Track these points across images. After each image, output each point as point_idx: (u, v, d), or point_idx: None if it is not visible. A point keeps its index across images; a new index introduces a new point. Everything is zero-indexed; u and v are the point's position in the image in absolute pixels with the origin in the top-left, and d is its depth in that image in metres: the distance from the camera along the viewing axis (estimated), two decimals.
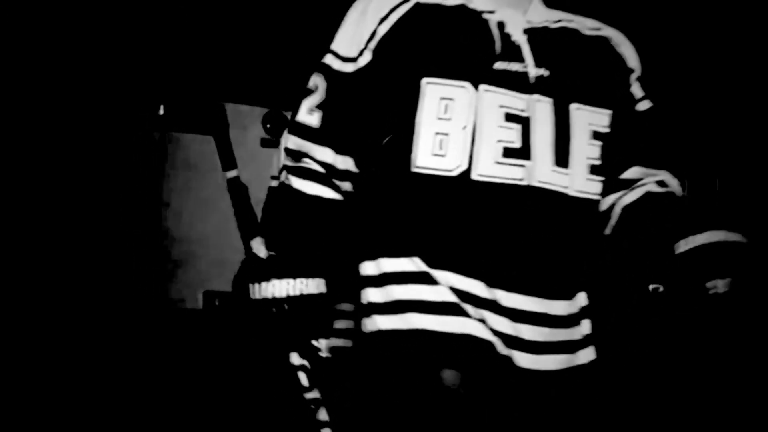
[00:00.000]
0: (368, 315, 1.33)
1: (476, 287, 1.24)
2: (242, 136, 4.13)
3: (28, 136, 3.75)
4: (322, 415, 1.31)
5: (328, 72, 1.36)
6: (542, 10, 1.38)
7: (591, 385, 1.36)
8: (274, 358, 1.36)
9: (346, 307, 2.42)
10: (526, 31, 1.33)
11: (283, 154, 2.79)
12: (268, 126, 4.45)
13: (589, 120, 1.33)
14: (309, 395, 1.31)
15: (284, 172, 1.40)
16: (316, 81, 1.37)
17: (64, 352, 3.64)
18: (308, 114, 1.37)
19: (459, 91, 1.25)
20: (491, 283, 1.24)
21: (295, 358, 1.32)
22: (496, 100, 1.27)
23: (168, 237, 4.24)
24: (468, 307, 1.24)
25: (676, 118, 1.64)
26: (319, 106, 1.36)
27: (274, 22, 3.64)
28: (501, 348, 1.24)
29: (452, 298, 1.24)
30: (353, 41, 1.34)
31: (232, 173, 3.43)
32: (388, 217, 1.32)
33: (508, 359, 1.24)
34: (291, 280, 1.31)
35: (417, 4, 1.32)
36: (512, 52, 1.31)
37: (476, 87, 1.26)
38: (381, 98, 1.31)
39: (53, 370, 3.58)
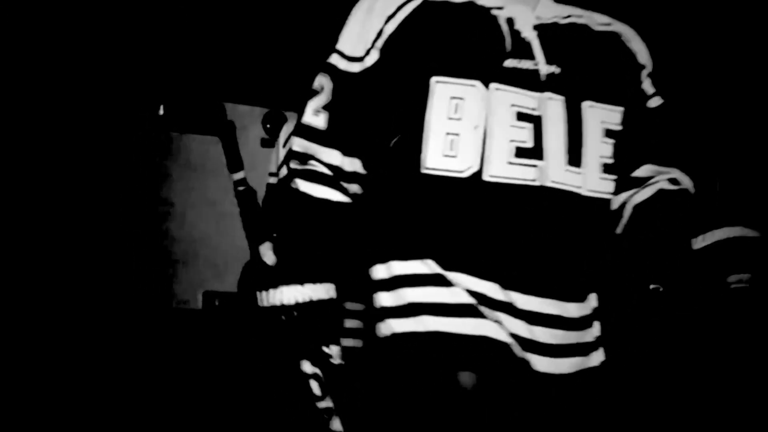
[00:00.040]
0: (381, 319, 1.31)
1: (491, 289, 1.22)
2: (242, 136, 4.12)
3: (28, 136, 3.74)
4: (336, 425, 1.29)
5: (333, 72, 1.33)
6: (552, 6, 1.36)
7: (602, 387, 1.35)
8: (284, 366, 1.33)
9: (355, 306, 2.41)
10: (536, 28, 1.31)
11: (282, 152, 2.79)
12: (268, 126, 4.44)
13: (601, 118, 1.32)
14: (321, 404, 1.28)
15: (291, 175, 1.38)
16: (322, 81, 1.34)
17: (65, 351, 3.64)
18: (314, 115, 1.34)
19: (469, 90, 1.23)
20: (506, 285, 1.23)
21: (307, 366, 1.29)
22: (507, 98, 1.25)
23: (168, 237, 4.23)
24: (484, 309, 1.22)
25: (685, 116, 1.62)
26: (326, 107, 1.33)
27: (274, 22, 3.63)
28: (518, 351, 1.22)
29: (468, 299, 1.23)
30: (359, 40, 1.31)
31: (238, 175, 3.42)
32: (399, 220, 1.30)
33: (525, 363, 1.23)
34: (299, 287, 1.29)
35: (424, 2, 1.30)
36: (522, 49, 1.28)
37: (487, 86, 1.24)
38: (389, 98, 1.29)
39: (53, 370, 3.59)
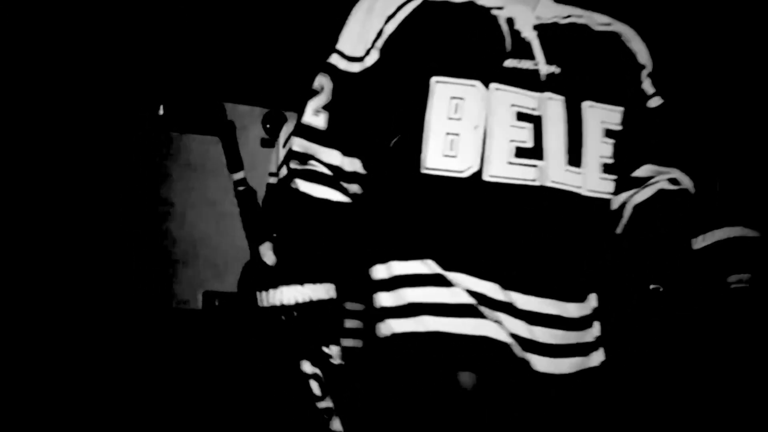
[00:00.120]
0: (381, 319, 1.31)
1: (491, 289, 1.22)
2: (242, 136, 4.12)
3: (28, 136, 3.74)
4: (336, 425, 1.28)
5: (333, 72, 1.33)
6: (552, 6, 1.36)
7: (602, 387, 1.35)
8: (284, 366, 1.33)
9: (355, 306, 2.41)
10: (536, 28, 1.31)
11: (282, 151, 2.79)
12: (268, 126, 4.44)
13: (601, 118, 1.32)
14: (321, 404, 1.28)
15: (290, 176, 1.37)
16: (322, 81, 1.34)
17: (65, 351, 3.64)
18: (314, 115, 1.34)
19: (469, 90, 1.23)
20: (506, 285, 1.23)
21: (307, 367, 1.28)
22: (507, 98, 1.25)
23: (168, 237, 4.23)
24: (484, 309, 1.22)
25: (685, 116, 1.62)
26: (325, 107, 1.33)
27: (274, 22, 3.63)
28: (518, 351, 1.22)
29: (469, 299, 1.23)
30: (359, 40, 1.31)
31: (238, 175, 3.42)
32: (398, 220, 1.30)
33: (526, 363, 1.23)
34: (299, 287, 1.29)
35: (425, 2, 1.29)
36: (522, 49, 1.28)
37: (487, 86, 1.24)
38: (389, 98, 1.29)
39: (53, 370, 3.58)
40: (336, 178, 1.34)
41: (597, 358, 1.35)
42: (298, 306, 1.28)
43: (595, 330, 1.35)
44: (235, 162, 3.49)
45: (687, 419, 2.68)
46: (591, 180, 1.29)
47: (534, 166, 1.24)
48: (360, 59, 1.31)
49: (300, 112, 1.38)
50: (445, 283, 1.24)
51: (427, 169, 1.23)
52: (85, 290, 3.81)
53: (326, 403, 1.28)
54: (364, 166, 1.35)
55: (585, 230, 1.30)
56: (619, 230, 1.42)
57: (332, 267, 1.34)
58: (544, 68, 1.28)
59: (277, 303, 1.28)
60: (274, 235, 2.26)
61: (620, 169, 1.35)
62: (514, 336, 1.22)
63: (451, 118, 1.23)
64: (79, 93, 3.90)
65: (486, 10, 1.30)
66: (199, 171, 4.30)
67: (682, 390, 2.71)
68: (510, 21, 1.30)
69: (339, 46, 1.34)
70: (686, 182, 1.41)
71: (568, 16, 1.36)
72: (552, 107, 1.27)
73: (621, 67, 1.39)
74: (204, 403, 3.85)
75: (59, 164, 3.83)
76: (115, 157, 4.04)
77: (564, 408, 1.27)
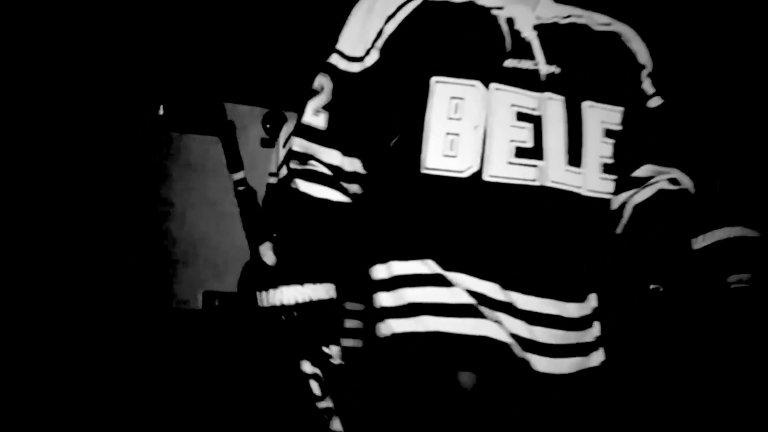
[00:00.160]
0: (381, 319, 1.30)
1: (491, 290, 1.22)
2: (242, 136, 4.12)
3: (28, 137, 3.74)
4: (336, 425, 1.28)
5: (333, 72, 1.33)
6: (552, 6, 1.36)
7: (602, 387, 1.35)
8: (284, 366, 1.33)
9: (355, 306, 2.41)
10: (536, 28, 1.31)
11: (282, 151, 2.79)
12: (268, 126, 4.44)
13: (601, 118, 1.31)
14: (321, 404, 1.28)
15: (290, 175, 1.37)
16: (322, 81, 1.34)
17: (65, 351, 3.64)
18: (314, 115, 1.34)
19: (469, 90, 1.23)
20: (506, 285, 1.23)
21: (307, 367, 1.28)
22: (507, 98, 1.24)
23: (168, 237, 4.23)
24: (484, 309, 1.22)
25: (685, 116, 1.62)
26: (326, 107, 1.33)
27: (273, 22, 3.63)
28: (518, 351, 1.22)
29: (469, 299, 1.23)
30: (359, 40, 1.31)
31: (238, 175, 3.42)
32: (399, 220, 1.30)
33: (525, 363, 1.23)
34: (299, 287, 1.29)
35: (425, 2, 1.29)
36: (522, 49, 1.28)
37: (487, 86, 1.24)
38: (389, 98, 1.29)
39: (53, 370, 3.58)
40: (336, 178, 1.34)
41: (597, 358, 1.35)
42: (298, 306, 1.28)
43: (595, 330, 1.35)
44: (235, 162, 3.49)
45: (687, 419, 2.68)
46: (591, 180, 1.29)
47: (534, 166, 1.24)
48: (360, 59, 1.31)
49: (300, 112, 1.38)
50: (445, 283, 1.24)
51: (427, 169, 1.23)
52: (86, 290, 3.81)
53: (326, 403, 1.28)
54: (364, 166, 1.34)
55: (585, 230, 1.30)
56: (619, 230, 1.42)
57: (332, 267, 1.33)
58: (544, 68, 1.28)
59: (277, 303, 1.28)
60: (274, 235, 2.26)
61: (620, 169, 1.35)
62: (514, 336, 1.22)
63: (451, 118, 1.23)
64: (79, 93, 3.90)
65: (486, 10, 1.30)
66: (199, 171, 4.30)
67: (681, 390, 2.71)
68: (510, 21, 1.30)
69: (339, 46, 1.34)
70: (686, 182, 1.41)
71: (568, 16, 1.36)
72: (552, 107, 1.27)
73: (621, 67, 1.39)
74: (204, 403, 3.84)
75: (59, 164, 3.83)
76: (115, 157, 4.04)
77: (564, 408, 1.27)
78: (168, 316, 4.11)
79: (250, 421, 3.79)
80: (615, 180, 1.33)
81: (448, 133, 1.23)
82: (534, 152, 1.24)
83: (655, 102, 1.43)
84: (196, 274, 4.27)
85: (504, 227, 1.23)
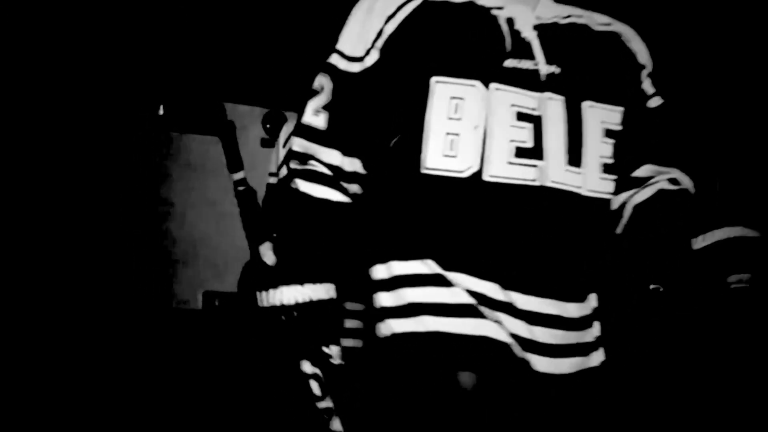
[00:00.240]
0: (381, 319, 1.30)
1: (491, 290, 1.22)
2: (242, 136, 4.12)
3: (28, 137, 3.74)
4: (336, 425, 1.28)
5: (333, 72, 1.33)
6: (552, 6, 1.36)
7: (602, 387, 1.35)
8: (284, 366, 1.33)
9: (355, 306, 2.40)
10: (536, 28, 1.31)
11: (282, 151, 2.79)
12: (268, 126, 4.44)
13: (601, 118, 1.31)
14: (321, 404, 1.28)
15: (290, 175, 1.37)
16: (322, 81, 1.34)
17: (65, 351, 3.63)
18: (314, 115, 1.34)
19: (469, 90, 1.23)
20: (506, 285, 1.22)
21: (307, 367, 1.28)
22: (507, 98, 1.24)
23: (168, 237, 4.23)
24: (484, 309, 1.22)
25: (685, 116, 1.62)
26: (326, 107, 1.33)
27: (273, 22, 3.63)
28: (518, 351, 1.22)
29: (469, 299, 1.22)
30: (359, 40, 1.31)
31: (238, 175, 3.42)
32: (399, 220, 1.30)
33: (526, 363, 1.23)
34: (299, 287, 1.29)
35: (424, 2, 1.29)
36: (522, 49, 1.28)
37: (487, 86, 1.24)
38: (389, 98, 1.29)
39: (53, 370, 3.58)
40: (336, 178, 1.34)
41: (597, 358, 1.34)
42: (298, 306, 1.28)
43: (595, 330, 1.35)
44: (235, 162, 3.49)
45: (687, 419, 2.68)
46: (591, 180, 1.29)
47: (534, 166, 1.24)
48: (360, 59, 1.31)
49: (300, 112, 1.38)
50: (445, 283, 1.24)
51: (427, 169, 1.23)
52: (86, 290, 3.81)
53: (326, 403, 1.28)
54: (364, 166, 1.34)
55: (585, 230, 1.29)
56: (619, 230, 1.42)
57: (332, 267, 1.33)
58: (544, 68, 1.28)
59: (277, 303, 1.28)
60: (274, 235, 2.26)
61: (620, 169, 1.35)
62: (514, 336, 1.22)
63: (451, 118, 1.23)
64: (79, 93, 3.89)
65: (486, 10, 1.30)
66: (199, 171, 4.30)
67: (681, 390, 2.71)
68: (510, 21, 1.30)
69: (339, 46, 1.34)
70: (686, 182, 1.41)
71: (568, 16, 1.36)
72: (552, 107, 1.27)
73: (621, 67, 1.39)
74: (204, 403, 3.84)
75: (59, 164, 3.83)
76: (115, 157, 4.04)
77: (564, 408, 1.27)
78: (168, 316, 4.11)
79: (250, 421, 3.79)
80: (615, 180, 1.33)
81: (448, 133, 1.23)
82: (534, 152, 1.24)
83: (655, 102, 1.43)
84: (196, 274, 4.26)
85: (504, 227, 1.23)
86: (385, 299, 1.30)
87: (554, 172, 1.25)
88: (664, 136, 1.42)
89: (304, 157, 1.35)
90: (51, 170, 3.81)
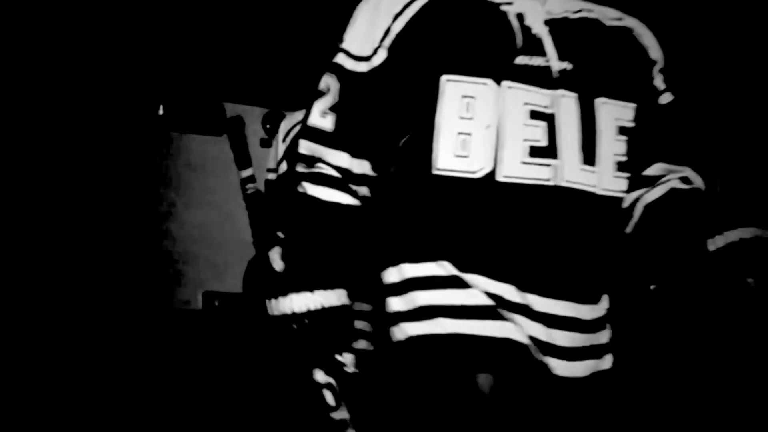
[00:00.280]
0: (395, 323, 1.28)
1: (508, 291, 1.20)
2: None
3: (28, 137, 3.73)
4: None
5: (340, 72, 1.30)
6: (562, 0, 1.32)
7: (613, 390, 1.33)
8: (296, 376, 1.31)
9: (362, 307, 2.38)
10: (547, 23, 1.28)
11: (281, 146, 2.77)
12: (268, 126, 4.42)
13: (615, 115, 1.29)
14: (336, 415, 1.25)
15: (297, 179, 1.34)
16: (328, 82, 1.31)
17: (65, 351, 3.63)
18: (321, 117, 1.30)
19: (481, 88, 1.21)
20: (522, 287, 1.21)
21: (320, 376, 1.26)
22: (519, 96, 1.22)
23: (168, 237, 4.22)
24: (502, 311, 1.20)
25: (696, 112, 1.60)
26: (333, 109, 1.29)
27: (273, 22, 3.61)
28: (536, 354, 1.20)
29: (487, 301, 1.20)
30: (366, 39, 1.28)
31: (246, 172, 3.40)
32: (410, 222, 1.28)
33: (544, 366, 1.21)
34: (309, 294, 1.26)
35: None
36: (534, 45, 1.25)
37: (499, 84, 1.21)
38: (398, 98, 1.26)
39: (54, 370, 3.57)
40: (345, 180, 1.30)
41: (609, 360, 1.33)
42: (309, 314, 1.26)
43: (607, 332, 1.34)
44: (243, 159, 3.46)
45: (691, 421, 2.67)
46: (605, 178, 1.27)
47: (548, 165, 1.22)
48: (367, 58, 1.28)
49: (306, 114, 1.35)
50: (462, 284, 1.21)
51: (439, 170, 1.21)
52: (86, 290, 3.80)
53: (341, 414, 1.25)
54: (373, 168, 1.31)
55: (599, 230, 1.28)
56: (629, 229, 1.39)
57: (343, 272, 1.31)
58: (556, 65, 1.26)
59: (288, 311, 1.26)
60: (279, 233, 2.24)
61: (633, 167, 1.33)
62: (532, 339, 1.20)
63: (462, 118, 1.20)
64: (79, 93, 3.88)
65: (495, 6, 1.27)
66: (199, 171, 4.28)
67: (687, 391, 2.70)
68: (520, 16, 1.27)
69: (345, 45, 1.31)
70: (698, 181, 1.39)
71: (579, 11, 1.33)
72: (565, 105, 1.25)
73: (633, 62, 1.36)
74: (204, 403, 3.84)
75: (59, 164, 3.82)
76: (115, 157, 4.03)
77: (578, 411, 1.25)
78: (168, 316, 4.10)
79: (250, 421, 3.78)
80: (628, 178, 1.31)
81: (459, 133, 1.20)
82: (548, 151, 1.22)
83: (666, 98, 1.40)
84: (196, 274, 4.25)
85: (519, 228, 1.21)
86: (396, 304, 1.28)
87: (569, 171, 1.23)
88: (675, 133, 1.40)
89: (311, 160, 1.31)
90: (51, 170, 3.80)
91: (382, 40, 1.27)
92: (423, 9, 1.26)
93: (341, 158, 1.30)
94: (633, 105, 1.32)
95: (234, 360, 3.87)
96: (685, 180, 1.38)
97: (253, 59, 3.94)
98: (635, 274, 1.46)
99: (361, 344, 2.29)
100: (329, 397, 1.25)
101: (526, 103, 1.22)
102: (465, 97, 1.21)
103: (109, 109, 4.00)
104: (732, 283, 1.26)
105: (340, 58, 1.31)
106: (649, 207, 1.37)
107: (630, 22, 1.40)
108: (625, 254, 1.41)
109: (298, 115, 2.72)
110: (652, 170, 1.38)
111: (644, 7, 1.48)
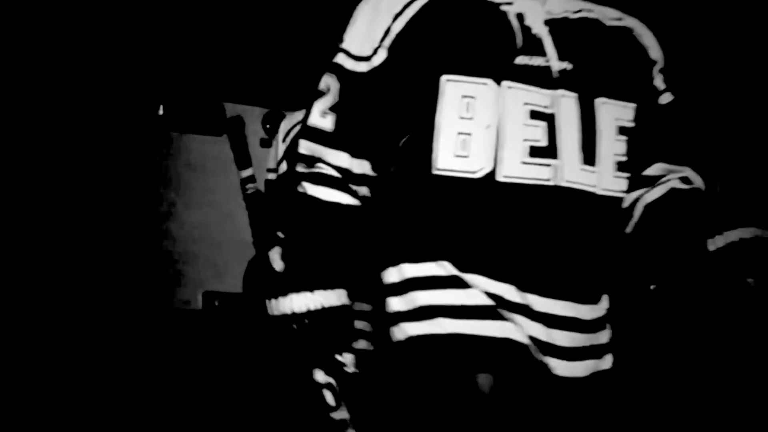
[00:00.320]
0: (395, 323, 1.28)
1: (508, 291, 1.20)
2: None
3: (28, 137, 3.73)
4: None
5: (340, 72, 1.30)
6: (562, 0, 1.32)
7: (613, 390, 1.33)
8: (295, 376, 1.31)
9: (362, 306, 2.38)
10: (547, 23, 1.28)
11: (281, 146, 2.77)
12: (268, 126, 4.42)
13: (615, 114, 1.29)
14: (336, 415, 1.25)
15: (297, 179, 1.34)
16: (328, 82, 1.31)
17: (65, 352, 3.63)
18: (321, 117, 1.31)
19: (481, 88, 1.21)
20: (522, 287, 1.21)
21: (320, 376, 1.26)
22: (519, 96, 1.22)
23: (168, 237, 4.22)
24: (502, 311, 1.20)
25: (697, 112, 1.60)
26: (333, 109, 1.30)
27: (273, 22, 3.62)
28: (536, 354, 1.20)
29: (487, 301, 1.21)
30: (366, 39, 1.28)
31: (246, 172, 3.40)
32: (410, 222, 1.28)
33: (544, 366, 1.21)
34: (309, 294, 1.27)
35: None
36: (534, 45, 1.25)
37: (499, 83, 1.21)
38: (398, 98, 1.26)
39: (54, 370, 3.57)
40: (345, 180, 1.31)
41: (609, 360, 1.33)
42: (309, 314, 1.26)
43: (607, 332, 1.34)
44: (243, 158, 3.46)
45: (691, 421, 2.67)
46: (605, 179, 1.27)
47: (548, 165, 1.22)
48: (367, 58, 1.28)
49: (306, 114, 1.35)
50: (462, 284, 1.22)
51: (439, 170, 1.21)
52: (86, 290, 3.80)
53: (341, 414, 1.25)
54: (373, 168, 1.31)
55: (599, 230, 1.28)
56: (629, 229, 1.39)
57: (343, 272, 1.31)
58: (556, 64, 1.26)
59: (288, 311, 1.26)
60: (279, 233, 2.24)
61: (633, 167, 1.33)
62: (532, 339, 1.21)
63: (462, 118, 1.21)
64: (79, 93, 3.89)
65: (495, 6, 1.27)
66: (199, 171, 4.28)
67: (687, 391, 2.70)
68: (520, 16, 1.27)
69: (345, 45, 1.31)
70: (698, 181, 1.39)
71: (579, 11, 1.33)
72: (565, 105, 1.25)
73: (633, 62, 1.37)
74: (204, 403, 3.84)
75: (59, 164, 3.82)
76: (115, 157, 4.03)
77: (578, 412, 1.26)
78: (168, 316, 4.10)
79: (250, 421, 3.78)
80: (628, 178, 1.31)
81: (459, 133, 1.21)
82: (548, 151, 1.22)
83: (666, 98, 1.40)
84: (196, 274, 4.26)
85: (519, 228, 1.21)
86: (396, 304, 1.28)
87: (569, 171, 1.23)
88: (675, 133, 1.41)
89: (311, 160, 1.31)
90: (51, 170, 3.80)
91: (382, 40, 1.27)
92: (423, 9, 1.26)
93: (341, 158, 1.30)
94: (633, 105, 1.32)
95: (234, 360, 3.87)
96: (685, 180, 1.38)
97: (253, 59, 3.94)
98: (635, 274, 1.46)
99: (361, 344, 2.29)
100: (329, 397, 1.25)
101: (526, 103, 1.22)
102: (465, 97, 1.21)
103: (109, 109, 4.00)
104: (732, 283, 1.26)
105: (340, 58, 1.31)
106: (649, 207, 1.37)
107: (630, 22, 1.40)
108: (625, 254, 1.41)
109: (298, 115, 2.72)
110: (652, 170, 1.38)
111: (644, 7, 1.48)
